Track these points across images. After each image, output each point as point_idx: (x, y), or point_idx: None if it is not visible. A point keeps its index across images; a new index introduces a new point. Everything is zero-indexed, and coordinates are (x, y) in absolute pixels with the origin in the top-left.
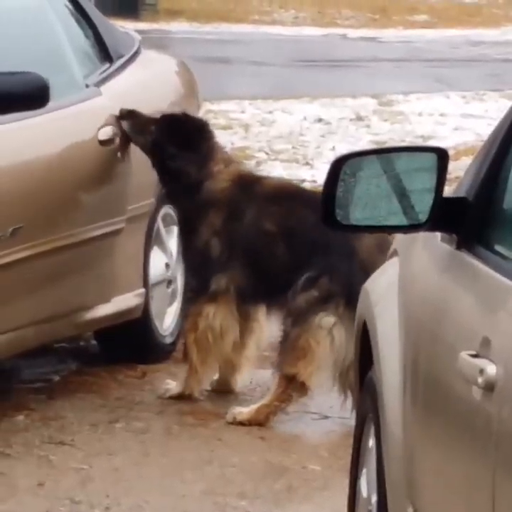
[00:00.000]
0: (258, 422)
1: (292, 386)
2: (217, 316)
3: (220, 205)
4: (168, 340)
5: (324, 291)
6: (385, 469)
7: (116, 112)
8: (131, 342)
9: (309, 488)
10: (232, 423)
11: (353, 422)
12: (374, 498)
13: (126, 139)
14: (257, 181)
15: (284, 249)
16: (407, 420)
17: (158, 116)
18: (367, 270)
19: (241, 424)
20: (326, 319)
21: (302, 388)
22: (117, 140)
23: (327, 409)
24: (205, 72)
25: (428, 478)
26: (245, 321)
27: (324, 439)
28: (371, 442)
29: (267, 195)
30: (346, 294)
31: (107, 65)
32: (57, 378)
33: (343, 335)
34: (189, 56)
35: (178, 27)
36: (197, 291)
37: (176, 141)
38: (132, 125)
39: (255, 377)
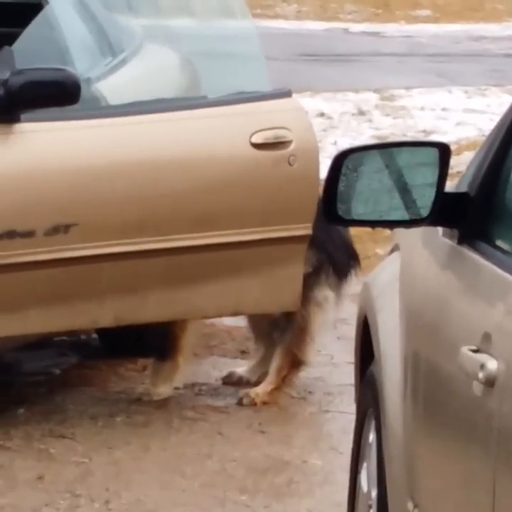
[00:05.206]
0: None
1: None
2: None
3: None
4: None
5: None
6: (385, 464)
7: None
8: (132, 335)
9: (310, 483)
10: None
11: (353, 417)
12: (374, 493)
13: None
14: None
15: None
16: (408, 415)
17: None
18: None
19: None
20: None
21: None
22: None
23: (327, 404)
24: (208, 68)
25: (428, 473)
26: None
27: (325, 433)
28: (371, 437)
29: None
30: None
31: (110, 58)
32: (57, 371)
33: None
34: (192, 51)
35: (179, 23)
36: None
37: None
38: None
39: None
